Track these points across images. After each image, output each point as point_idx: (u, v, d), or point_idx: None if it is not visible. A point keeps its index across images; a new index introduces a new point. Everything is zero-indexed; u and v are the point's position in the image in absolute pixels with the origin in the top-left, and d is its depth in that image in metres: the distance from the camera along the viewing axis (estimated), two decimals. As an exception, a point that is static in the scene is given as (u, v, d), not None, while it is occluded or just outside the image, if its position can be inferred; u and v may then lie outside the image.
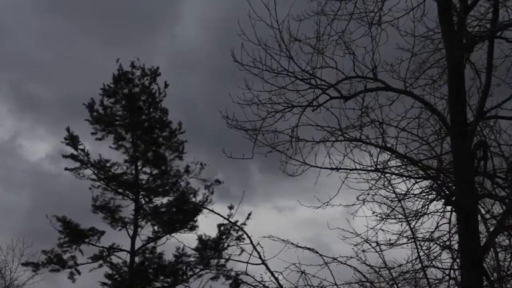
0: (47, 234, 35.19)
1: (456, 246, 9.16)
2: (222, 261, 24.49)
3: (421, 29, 9.45)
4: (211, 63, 40.22)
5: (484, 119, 9.14)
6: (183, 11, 46.65)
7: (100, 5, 47.35)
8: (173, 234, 24.91)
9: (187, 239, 25.30)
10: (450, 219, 9.39)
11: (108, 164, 25.20)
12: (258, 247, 9.14)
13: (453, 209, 9.07)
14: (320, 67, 9.13)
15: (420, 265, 9.44)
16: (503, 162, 9.34)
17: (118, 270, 24.48)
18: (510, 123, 9.24)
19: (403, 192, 9.59)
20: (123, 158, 25.45)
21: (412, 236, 9.51)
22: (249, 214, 23.96)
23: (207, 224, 25.20)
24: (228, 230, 24.89)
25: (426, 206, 9.55)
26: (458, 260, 9.01)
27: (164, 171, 25.35)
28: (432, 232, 9.56)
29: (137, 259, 24.64)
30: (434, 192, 9.48)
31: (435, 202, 9.53)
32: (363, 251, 9.51)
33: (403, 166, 9.53)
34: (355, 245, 9.50)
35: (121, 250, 24.70)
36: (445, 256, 9.48)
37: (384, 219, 9.63)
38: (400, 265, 9.52)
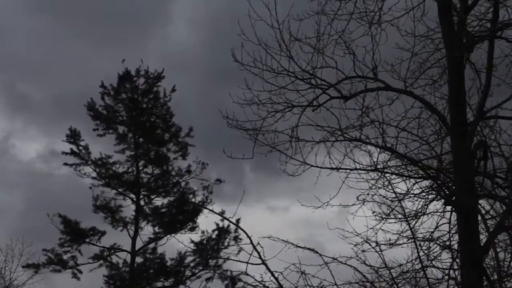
0: (41, 233, 35.44)
1: (456, 246, 9.16)
2: (221, 261, 24.54)
3: (421, 29, 9.47)
4: (203, 64, 40.44)
5: (484, 119, 9.13)
6: (173, 12, 46.94)
7: (91, 6, 47.55)
8: (173, 235, 24.93)
9: (187, 239, 25.25)
10: (450, 219, 9.39)
11: (109, 162, 25.23)
12: (258, 247, 9.14)
13: (453, 209, 9.06)
14: (320, 67, 9.14)
15: (420, 265, 9.43)
16: (503, 162, 9.34)
17: (118, 270, 24.49)
18: (510, 123, 9.23)
19: (403, 192, 9.60)
20: (125, 157, 25.52)
21: (412, 236, 9.51)
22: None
23: (207, 224, 25.25)
24: (226, 230, 24.91)
25: (426, 206, 9.55)
26: (458, 260, 9.01)
27: (165, 171, 25.36)
28: (432, 232, 9.56)
29: (138, 259, 24.66)
30: (434, 192, 9.48)
31: (435, 202, 9.55)
32: (363, 251, 9.51)
33: (403, 166, 9.53)
34: (355, 245, 9.50)
35: (122, 250, 24.72)
36: (445, 256, 9.49)
37: (384, 219, 9.63)
38: (400, 265, 9.52)
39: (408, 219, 9.57)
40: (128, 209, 25.18)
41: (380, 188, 9.56)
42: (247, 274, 9.09)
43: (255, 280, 9.01)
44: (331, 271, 9.10)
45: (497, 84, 9.14)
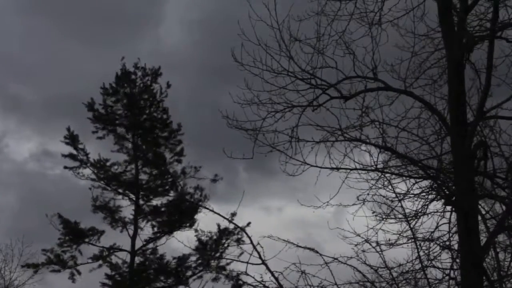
0: (36, 233, 35.48)
1: (456, 246, 9.17)
2: (224, 262, 24.52)
3: (421, 29, 9.47)
4: (194, 64, 40.52)
5: (484, 119, 9.14)
6: (165, 13, 47.12)
7: (83, 7, 47.74)
8: (173, 234, 24.92)
9: (187, 238, 25.29)
10: (450, 219, 9.40)
11: (108, 164, 25.23)
12: (258, 247, 9.14)
13: (453, 209, 9.07)
14: (320, 67, 9.13)
15: (420, 265, 9.44)
16: (503, 162, 9.34)
17: (118, 270, 24.49)
18: (510, 123, 9.23)
19: (403, 192, 9.60)
20: (123, 158, 25.53)
21: (412, 236, 9.52)
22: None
23: (206, 223, 25.33)
24: (229, 231, 24.90)
25: (426, 206, 9.55)
26: (458, 260, 9.01)
27: (163, 171, 25.37)
28: (432, 232, 9.56)
29: (137, 259, 24.66)
30: (434, 192, 9.48)
31: (435, 202, 9.55)
32: (363, 251, 9.52)
33: (403, 166, 9.54)
34: (355, 245, 9.50)
35: (121, 250, 24.72)
36: (445, 256, 9.50)
37: (384, 219, 9.63)
38: (400, 265, 9.53)
39: (408, 219, 9.57)
40: (127, 209, 25.23)
41: (380, 188, 9.57)
42: (247, 274, 9.11)
43: (255, 280, 9.03)
44: (331, 271, 9.12)
45: (497, 84, 9.15)
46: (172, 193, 25.39)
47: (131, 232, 24.76)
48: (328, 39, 9.23)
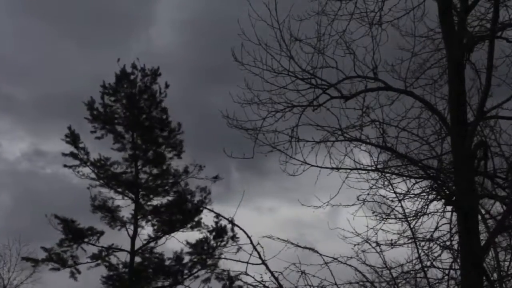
0: (31, 232, 35.52)
1: (456, 246, 9.16)
2: (218, 261, 24.56)
3: (422, 29, 9.47)
4: (186, 65, 40.60)
5: (484, 119, 9.14)
6: (156, 13, 47.28)
7: (75, 8, 47.84)
8: (172, 234, 24.94)
9: (187, 237, 25.24)
10: (450, 219, 9.39)
11: (108, 163, 25.24)
12: (258, 247, 9.13)
13: (453, 209, 9.07)
14: (320, 67, 9.13)
15: (420, 265, 9.42)
16: (503, 162, 9.34)
17: (117, 270, 24.49)
18: (510, 123, 9.23)
19: (403, 192, 9.58)
20: (123, 157, 25.54)
21: (412, 236, 9.50)
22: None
23: (206, 224, 25.27)
24: (224, 229, 24.92)
25: (426, 206, 9.54)
26: (458, 260, 9.01)
27: (163, 171, 25.38)
28: (432, 232, 9.55)
29: (137, 259, 24.65)
30: (434, 192, 9.47)
31: (435, 202, 9.53)
32: (363, 251, 9.50)
33: (403, 166, 9.52)
34: (355, 245, 9.49)
35: (121, 250, 24.71)
36: (445, 256, 9.47)
37: (384, 219, 9.62)
38: (401, 265, 9.51)
39: (408, 219, 9.56)
40: (127, 209, 25.24)
41: (380, 188, 9.56)
42: (247, 274, 9.08)
43: (255, 280, 9.01)
44: (331, 271, 9.10)
45: (497, 84, 9.15)
46: (173, 193, 25.40)
47: (130, 232, 24.77)
48: (329, 39, 9.24)
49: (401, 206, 9.58)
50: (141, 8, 47.19)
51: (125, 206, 25.13)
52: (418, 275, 9.51)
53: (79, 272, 24.43)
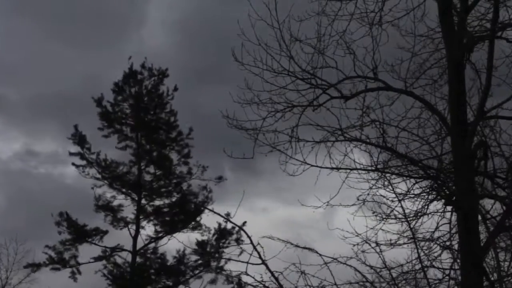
0: (26, 231, 35.59)
1: (456, 247, 9.16)
2: (223, 262, 24.52)
3: (422, 29, 9.47)
4: (178, 65, 40.66)
5: (484, 119, 9.14)
6: (148, 14, 47.41)
7: (66, 8, 47.98)
8: (174, 235, 24.95)
9: (188, 238, 25.26)
10: (450, 219, 9.38)
11: (113, 164, 25.24)
12: (258, 247, 9.13)
13: (453, 209, 9.06)
14: (320, 67, 9.14)
15: (420, 266, 9.42)
16: (503, 162, 9.33)
17: (119, 270, 24.50)
18: (510, 123, 9.23)
19: (403, 192, 9.58)
20: (128, 158, 25.53)
21: (412, 236, 9.50)
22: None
23: (209, 225, 25.29)
24: (229, 231, 24.91)
25: (426, 206, 9.53)
26: (458, 260, 9.01)
27: (168, 172, 25.35)
28: (432, 233, 9.54)
29: (138, 259, 24.66)
30: (434, 192, 9.47)
31: (435, 202, 9.52)
32: (363, 251, 9.50)
33: (403, 166, 9.52)
34: (355, 245, 9.49)
35: (123, 250, 24.72)
36: (445, 256, 9.47)
37: (384, 219, 9.61)
38: (401, 265, 9.51)
39: (408, 219, 9.55)
40: (129, 209, 25.25)
41: (380, 188, 9.56)
42: (247, 274, 9.08)
43: (255, 280, 9.01)
44: (331, 271, 9.10)
45: (497, 84, 9.15)
46: (176, 194, 25.40)
47: (132, 231, 24.78)
48: (329, 39, 9.25)
49: (401, 206, 9.57)
50: (132, 9, 47.37)
51: (127, 206, 25.16)
52: (418, 275, 9.50)
53: (79, 273, 24.43)
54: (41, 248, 24.55)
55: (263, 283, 9.02)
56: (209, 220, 25.45)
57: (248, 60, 9.07)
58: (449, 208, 9.24)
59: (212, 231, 25.07)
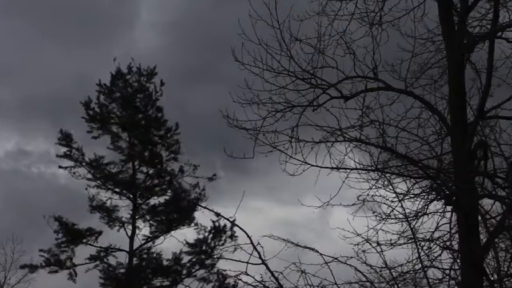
0: (21, 231, 35.54)
1: (456, 247, 9.16)
2: (216, 260, 24.54)
3: (422, 29, 9.48)
4: (168, 66, 40.72)
5: (484, 119, 9.15)
6: (139, 15, 47.50)
7: (58, 8, 48.01)
8: (171, 232, 24.93)
9: (184, 236, 25.22)
10: (450, 219, 9.38)
11: (104, 163, 25.20)
12: (258, 247, 9.12)
13: (453, 209, 9.07)
14: (320, 67, 9.14)
15: (420, 266, 9.41)
16: (503, 162, 9.34)
17: (115, 270, 24.47)
18: (510, 123, 9.25)
19: (403, 192, 9.57)
20: (119, 158, 25.49)
21: (412, 236, 9.49)
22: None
23: (204, 222, 25.29)
24: (222, 229, 24.93)
25: (427, 206, 9.52)
26: (458, 260, 9.01)
27: (160, 170, 25.36)
28: (433, 233, 9.54)
29: (135, 259, 24.62)
30: (434, 192, 9.46)
31: (435, 202, 9.51)
32: (363, 251, 9.49)
33: (403, 166, 9.52)
34: (355, 245, 9.48)
35: (119, 250, 24.68)
36: (446, 256, 9.47)
37: (384, 219, 9.61)
38: (401, 265, 9.51)
39: (409, 219, 9.55)
40: (124, 209, 25.22)
41: (380, 188, 9.55)
42: (247, 274, 9.07)
43: (255, 280, 9.00)
44: (331, 270, 9.10)
45: (497, 85, 9.17)
46: (169, 192, 25.39)
47: (129, 231, 24.76)
48: (329, 39, 9.26)
49: (401, 206, 9.57)
50: (123, 10, 47.46)
51: (123, 206, 25.14)
52: (418, 275, 9.50)
53: (76, 274, 24.39)
54: (35, 249, 24.60)
55: (263, 283, 9.01)
56: (203, 218, 25.41)
57: (248, 59, 9.08)
58: (449, 208, 9.24)
59: (208, 229, 25.05)
